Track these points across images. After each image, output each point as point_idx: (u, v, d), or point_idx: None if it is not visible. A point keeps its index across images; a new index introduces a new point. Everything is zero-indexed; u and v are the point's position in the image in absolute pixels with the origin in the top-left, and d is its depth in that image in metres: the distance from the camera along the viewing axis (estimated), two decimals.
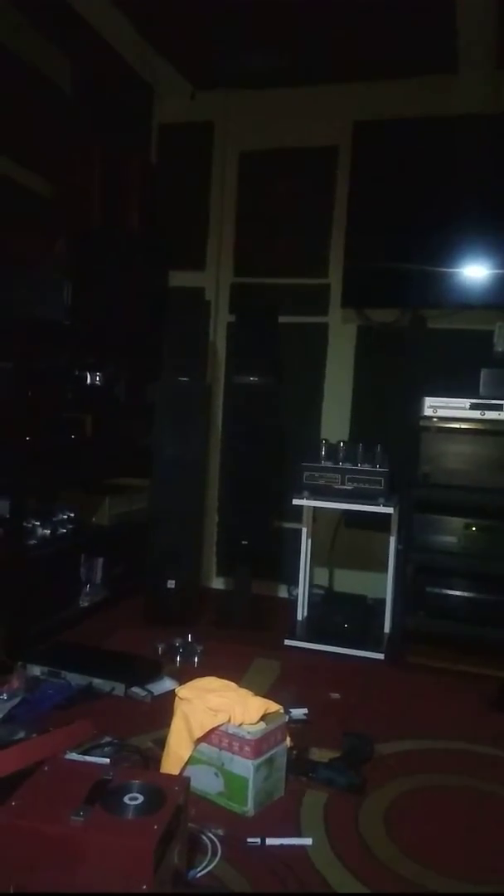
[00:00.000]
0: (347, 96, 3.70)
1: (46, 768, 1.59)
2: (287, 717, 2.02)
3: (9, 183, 3.14)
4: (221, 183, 3.97)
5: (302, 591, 3.42)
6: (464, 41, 3.16)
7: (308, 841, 1.76)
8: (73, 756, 1.86)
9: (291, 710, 2.27)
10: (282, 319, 3.67)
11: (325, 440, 3.31)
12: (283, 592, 3.92)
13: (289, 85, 3.77)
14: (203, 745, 1.91)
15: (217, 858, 1.67)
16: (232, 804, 1.87)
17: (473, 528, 3.04)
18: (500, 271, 3.37)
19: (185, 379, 3.41)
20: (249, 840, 1.73)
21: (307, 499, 3.19)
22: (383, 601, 3.27)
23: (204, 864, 1.64)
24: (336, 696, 2.64)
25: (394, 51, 3.37)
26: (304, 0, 2.97)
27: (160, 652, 2.90)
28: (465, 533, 3.05)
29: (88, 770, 1.60)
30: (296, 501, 3.20)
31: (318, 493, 3.18)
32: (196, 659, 2.86)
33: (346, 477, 3.15)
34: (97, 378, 3.28)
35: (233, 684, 2.06)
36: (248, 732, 1.84)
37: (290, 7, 3.03)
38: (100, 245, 3.44)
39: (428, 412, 3.07)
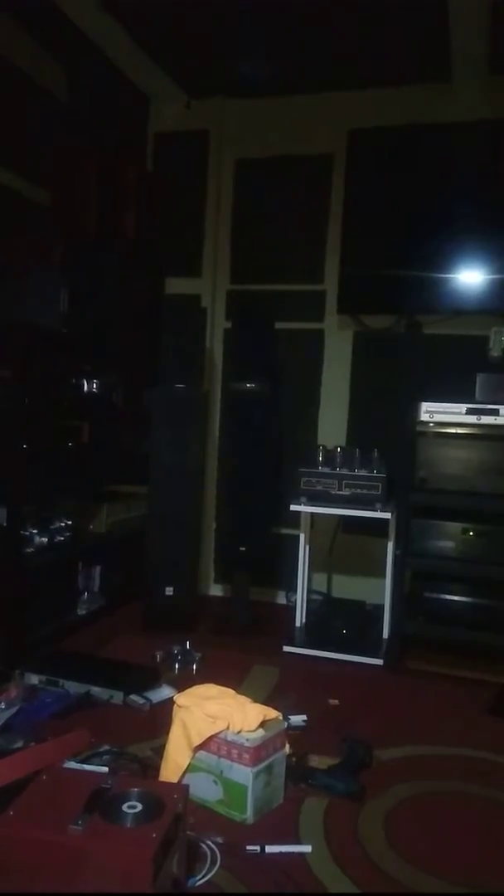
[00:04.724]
0: (342, 104, 3.72)
1: (45, 777, 1.58)
2: (286, 724, 2.01)
3: (5, 191, 3.14)
4: (217, 190, 3.98)
5: (300, 598, 3.42)
6: (457, 49, 3.18)
7: (307, 848, 1.75)
8: (72, 765, 1.85)
9: (290, 716, 2.27)
10: (278, 326, 3.69)
11: (322, 446, 3.31)
12: (281, 599, 3.91)
13: (284, 93, 3.79)
14: (202, 753, 1.90)
15: (216, 866, 1.66)
16: (231, 812, 1.86)
17: (471, 533, 3.04)
18: (495, 277, 3.38)
19: (182, 386, 3.42)
20: (249, 848, 1.73)
21: (305, 505, 3.19)
22: (382, 606, 3.27)
23: (203, 873, 1.63)
24: (335, 702, 2.63)
25: (388, 59, 3.39)
26: (298, 9, 2.99)
27: (158, 659, 2.89)
28: (462, 538, 3.05)
29: (87, 779, 1.59)
30: (293, 507, 3.21)
31: (315, 498, 3.19)
32: (194, 666, 2.85)
33: (344, 482, 3.16)
34: (94, 385, 3.28)
35: (231, 691, 2.06)
36: (247, 740, 1.84)
37: (285, 16, 3.05)
38: (96, 253, 3.45)
39: (424, 417, 3.08)
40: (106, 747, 2.10)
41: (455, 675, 2.91)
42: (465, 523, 3.05)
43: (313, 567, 3.61)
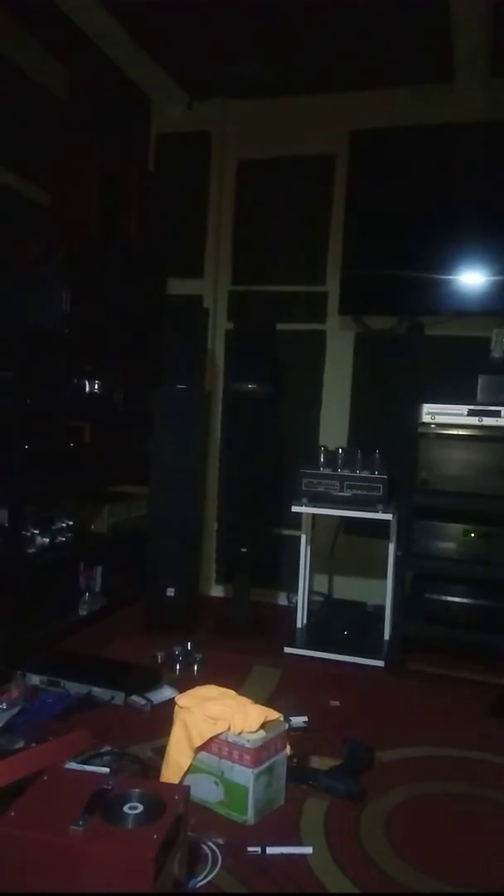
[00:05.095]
0: (344, 105, 3.72)
1: (46, 778, 1.58)
2: (287, 725, 2.01)
3: (6, 192, 3.15)
4: (219, 191, 3.98)
5: (301, 599, 3.42)
6: (459, 50, 3.18)
7: (308, 850, 1.75)
8: (73, 765, 1.85)
9: (291, 717, 2.26)
10: (280, 327, 3.69)
11: (324, 447, 3.31)
12: (282, 600, 3.91)
13: (285, 94, 3.80)
14: (203, 754, 1.90)
15: (217, 867, 1.66)
16: (232, 813, 1.86)
17: (472, 535, 3.04)
18: (496, 278, 3.38)
19: (183, 386, 3.41)
20: (250, 849, 1.73)
21: (306, 506, 3.19)
22: (383, 608, 3.27)
23: (204, 874, 1.63)
24: (336, 703, 2.63)
25: (390, 60, 3.39)
26: (299, 9, 2.99)
27: (159, 660, 2.89)
28: (463, 539, 3.05)
29: (88, 779, 1.59)
30: (295, 508, 3.20)
31: (316, 500, 3.19)
32: (195, 667, 2.85)
33: (345, 484, 3.16)
34: (96, 386, 3.28)
35: (232, 692, 2.06)
36: (248, 741, 1.84)
37: (287, 17, 3.05)
38: (98, 253, 3.45)
39: (426, 419, 3.08)
40: (107, 748, 2.10)
41: (456, 677, 2.91)
42: (466, 525, 3.05)
43: (314, 568, 3.61)
